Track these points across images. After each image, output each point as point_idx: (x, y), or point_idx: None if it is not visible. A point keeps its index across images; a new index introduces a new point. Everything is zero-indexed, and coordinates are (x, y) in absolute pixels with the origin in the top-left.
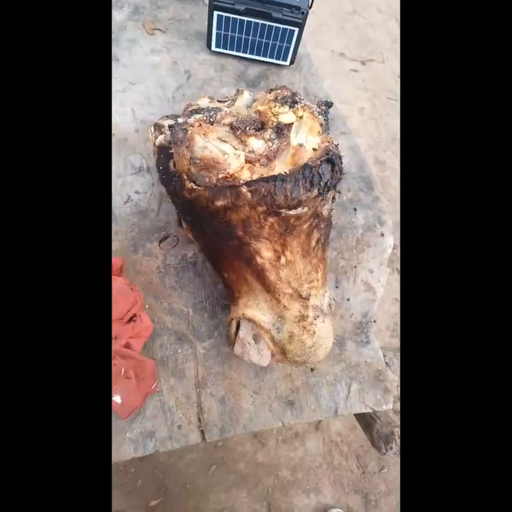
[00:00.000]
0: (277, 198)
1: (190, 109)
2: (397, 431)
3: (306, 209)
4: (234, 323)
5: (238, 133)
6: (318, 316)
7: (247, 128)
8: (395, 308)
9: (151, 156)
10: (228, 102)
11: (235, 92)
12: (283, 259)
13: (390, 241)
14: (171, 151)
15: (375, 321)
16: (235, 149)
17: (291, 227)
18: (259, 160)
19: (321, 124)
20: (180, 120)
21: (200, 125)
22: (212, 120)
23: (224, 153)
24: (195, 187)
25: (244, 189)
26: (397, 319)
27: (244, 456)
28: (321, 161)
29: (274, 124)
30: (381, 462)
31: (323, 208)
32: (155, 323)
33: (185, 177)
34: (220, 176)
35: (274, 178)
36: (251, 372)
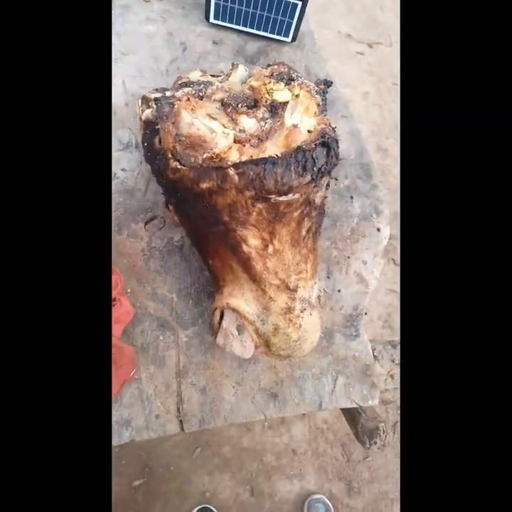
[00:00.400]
0: (267, 183)
1: (180, 82)
2: (382, 426)
3: (297, 195)
4: (217, 313)
5: (229, 110)
6: (305, 309)
7: (239, 105)
8: (389, 299)
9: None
10: (222, 77)
11: (231, 67)
12: (270, 248)
13: (386, 232)
14: (157, 127)
15: (366, 314)
16: (225, 127)
17: (280, 215)
18: (249, 140)
19: (318, 105)
20: (168, 93)
21: (189, 99)
22: (201, 95)
23: (212, 131)
24: (179, 167)
25: (231, 171)
26: (391, 310)
27: (229, 441)
28: (315, 144)
29: (268, 102)
30: (366, 451)
31: (316, 195)
32: (137, 308)
33: (170, 155)
34: (205, 155)
35: (264, 160)
36: (234, 362)
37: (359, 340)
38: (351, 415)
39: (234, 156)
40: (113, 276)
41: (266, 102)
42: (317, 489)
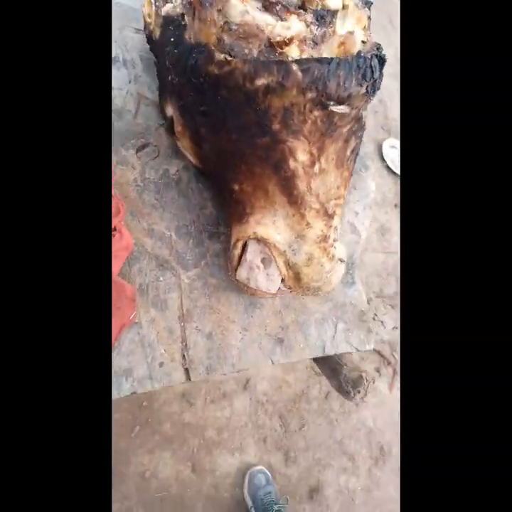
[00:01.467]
0: (329, 85)
1: None
2: (365, 374)
3: (349, 110)
4: (239, 245)
5: (278, 8)
6: (336, 240)
7: (288, 5)
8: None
9: (129, 48)
10: None
11: None
12: (317, 166)
13: (373, 186)
14: (183, 23)
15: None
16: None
17: (333, 128)
18: (305, 41)
19: (369, 18)
20: None
21: None
22: None
23: (268, 25)
24: (229, 59)
25: (294, 66)
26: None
27: (170, 417)
28: (372, 55)
29: (319, 6)
30: (302, 421)
31: (362, 113)
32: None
33: (213, 48)
34: (262, 45)
35: (329, 60)
36: (240, 307)
37: (355, 287)
38: (331, 368)
39: (294, 52)
40: (113, 201)
41: (316, 6)
42: (257, 461)
